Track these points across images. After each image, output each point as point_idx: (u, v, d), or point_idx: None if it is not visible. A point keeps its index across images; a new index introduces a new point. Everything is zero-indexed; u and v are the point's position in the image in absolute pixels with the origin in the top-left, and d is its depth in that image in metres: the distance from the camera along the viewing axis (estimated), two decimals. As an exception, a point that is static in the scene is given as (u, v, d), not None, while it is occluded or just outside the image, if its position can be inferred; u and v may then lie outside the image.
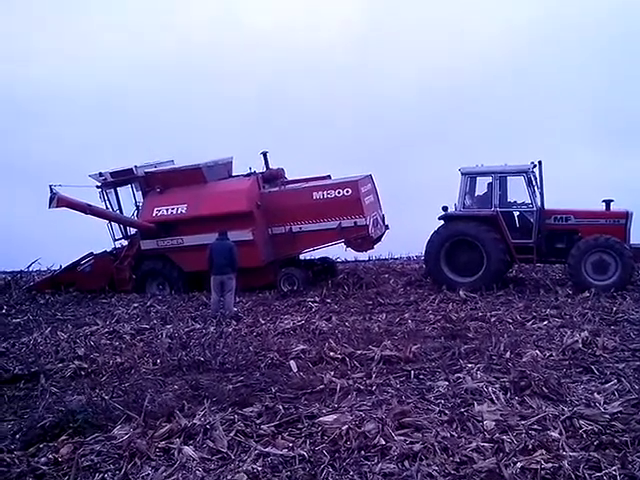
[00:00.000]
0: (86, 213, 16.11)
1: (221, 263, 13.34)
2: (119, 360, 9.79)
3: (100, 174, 17.11)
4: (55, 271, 18.68)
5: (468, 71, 37.45)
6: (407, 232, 19.25)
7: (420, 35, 39.31)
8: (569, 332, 9.89)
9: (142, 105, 36.15)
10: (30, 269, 20.23)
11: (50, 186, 15.49)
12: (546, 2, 37.77)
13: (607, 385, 7.54)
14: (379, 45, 41.22)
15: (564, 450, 5.70)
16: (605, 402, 6.91)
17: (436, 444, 5.88)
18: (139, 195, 17.53)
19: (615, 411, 6.57)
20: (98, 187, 17.28)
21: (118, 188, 17.59)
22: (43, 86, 36.56)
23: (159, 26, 46.31)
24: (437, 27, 40.18)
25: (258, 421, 6.78)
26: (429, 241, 14.66)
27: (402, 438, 6.08)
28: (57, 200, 15.45)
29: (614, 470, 5.33)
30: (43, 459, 6.13)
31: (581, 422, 6.29)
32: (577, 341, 9.25)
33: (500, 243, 14.06)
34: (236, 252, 13.48)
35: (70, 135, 34.91)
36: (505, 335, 10.04)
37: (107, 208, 17.32)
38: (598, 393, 7.27)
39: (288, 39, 43.10)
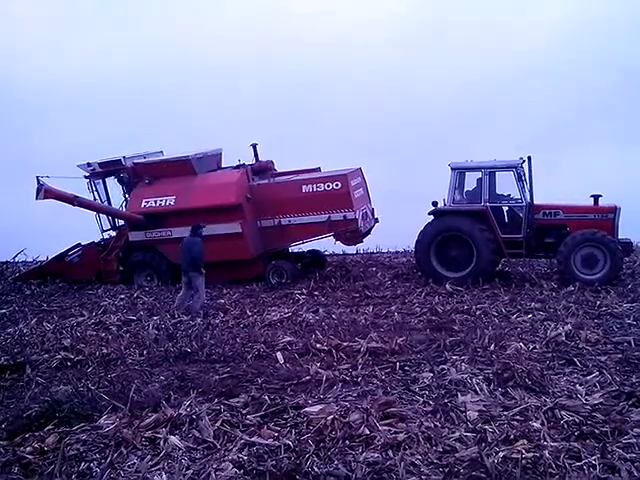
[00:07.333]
0: (73, 205, 16.01)
1: (185, 261, 13.07)
2: (105, 351, 9.79)
3: (88, 164, 16.97)
4: (41, 262, 18.58)
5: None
6: (395, 226, 19.23)
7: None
8: (553, 325, 10.03)
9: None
10: (16, 260, 20.10)
11: (37, 177, 15.36)
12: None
13: (589, 377, 7.66)
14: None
15: (545, 440, 5.81)
16: (587, 394, 7.04)
17: (420, 434, 5.98)
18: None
19: (596, 402, 6.72)
20: (86, 177, 17.17)
21: (106, 179, 17.51)
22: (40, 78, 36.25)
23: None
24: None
25: (244, 411, 6.83)
26: (420, 234, 14.67)
27: (386, 428, 6.17)
28: (44, 191, 15.31)
29: (594, 460, 5.45)
30: (29, 448, 6.14)
31: (562, 413, 6.42)
32: (560, 334, 9.40)
33: (490, 238, 14.13)
34: (199, 250, 12.93)
35: (60, 126, 34.62)
36: (490, 328, 10.14)
37: (95, 199, 17.22)
38: (580, 385, 7.40)
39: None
